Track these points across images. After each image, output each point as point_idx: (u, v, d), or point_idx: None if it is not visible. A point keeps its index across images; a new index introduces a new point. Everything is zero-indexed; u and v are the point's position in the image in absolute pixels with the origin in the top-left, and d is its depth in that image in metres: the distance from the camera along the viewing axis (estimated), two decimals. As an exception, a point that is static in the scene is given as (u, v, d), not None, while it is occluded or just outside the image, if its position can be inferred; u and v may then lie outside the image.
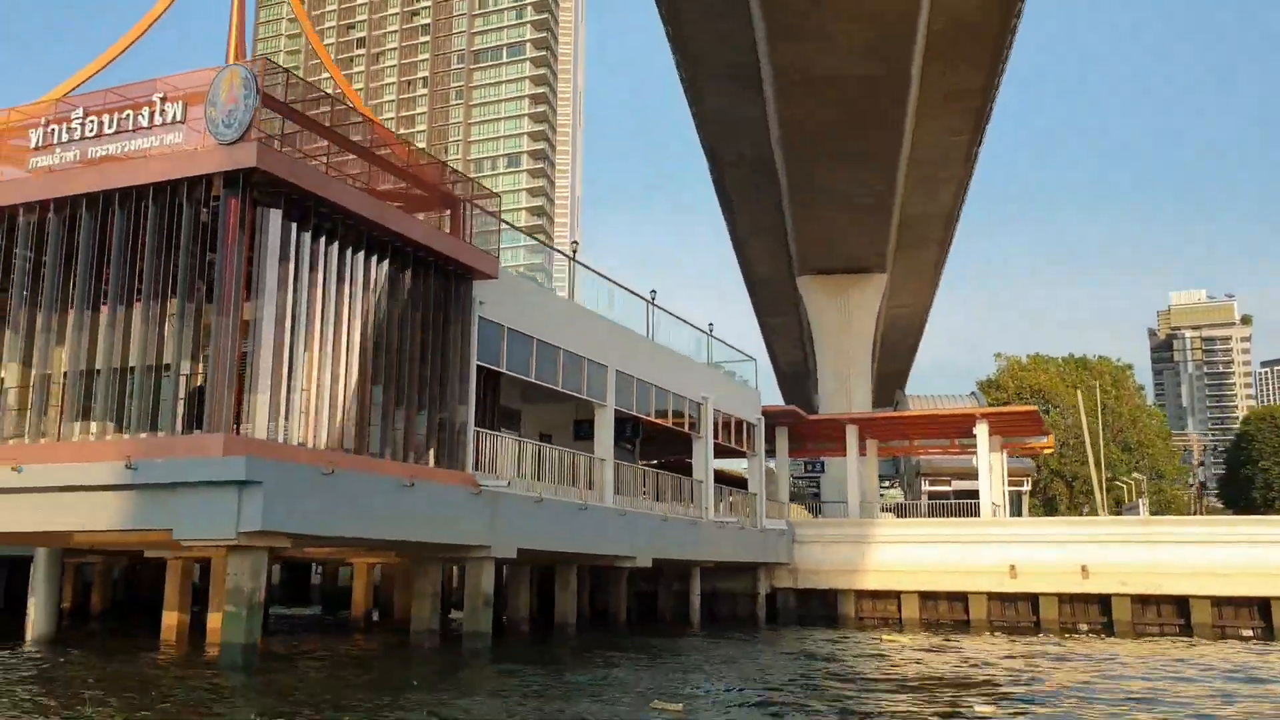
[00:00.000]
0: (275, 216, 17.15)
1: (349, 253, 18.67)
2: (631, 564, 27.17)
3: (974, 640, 28.15)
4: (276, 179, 16.85)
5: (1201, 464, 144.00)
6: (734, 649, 25.01)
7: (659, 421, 30.38)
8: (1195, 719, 14.27)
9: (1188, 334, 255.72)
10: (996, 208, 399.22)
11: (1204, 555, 31.32)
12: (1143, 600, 31.87)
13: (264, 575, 16.74)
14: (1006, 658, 22.98)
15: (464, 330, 21.52)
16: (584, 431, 29.36)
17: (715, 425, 33.21)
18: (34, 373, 18.52)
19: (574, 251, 29.76)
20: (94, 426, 17.70)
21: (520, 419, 28.33)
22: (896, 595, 34.47)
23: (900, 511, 46.39)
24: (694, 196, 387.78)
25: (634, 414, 28.90)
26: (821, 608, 35.32)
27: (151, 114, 17.92)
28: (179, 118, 17.69)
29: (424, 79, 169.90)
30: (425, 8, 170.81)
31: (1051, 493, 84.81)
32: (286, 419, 17.03)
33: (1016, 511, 49.77)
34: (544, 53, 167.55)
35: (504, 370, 23.20)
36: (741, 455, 37.20)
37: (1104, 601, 32.27)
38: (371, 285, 19.15)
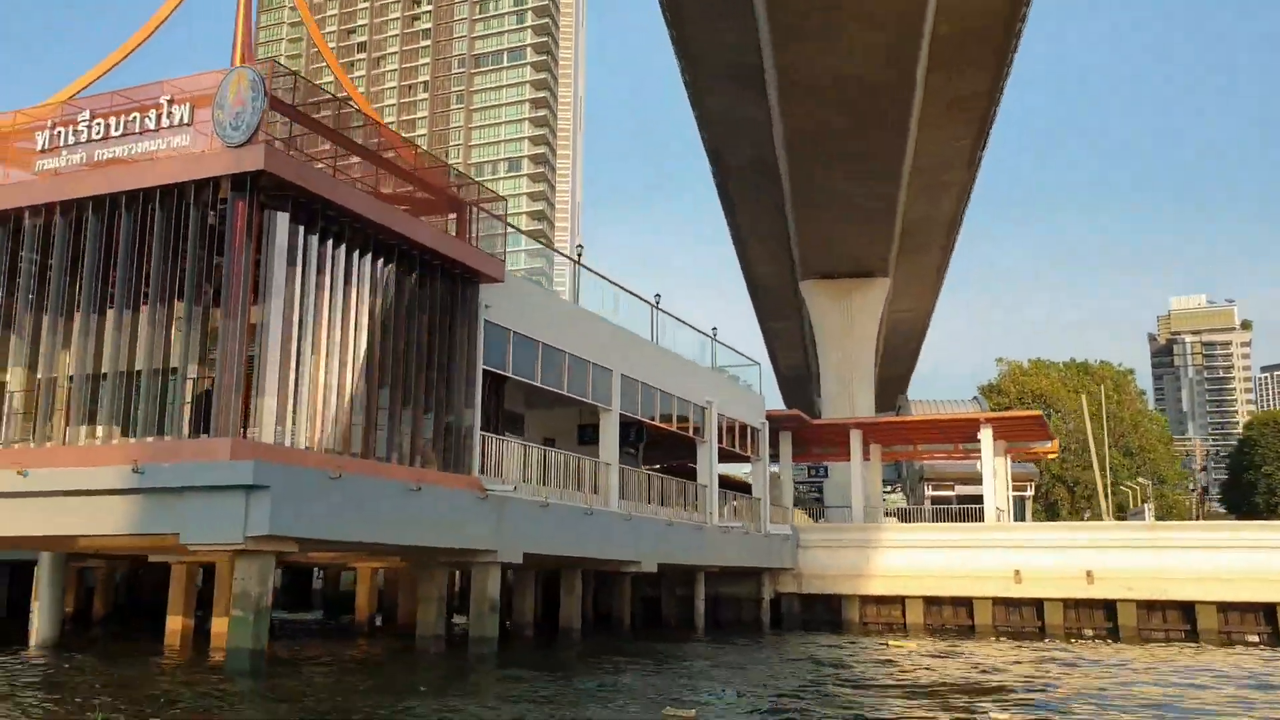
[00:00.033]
0: (282, 219, 17.07)
1: (356, 256, 18.60)
2: (637, 569, 27.08)
3: (980, 645, 28.05)
4: (284, 182, 16.78)
5: (1204, 469, 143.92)
6: (740, 655, 24.91)
7: (664, 426, 30.27)
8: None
9: (1188, 339, 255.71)
10: (998, 210, 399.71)
11: (1209, 560, 31.24)
12: (1148, 606, 31.79)
13: (271, 580, 16.65)
14: (1016, 664, 22.89)
15: (470, 334, 21.45)
16: (588, 436, 29.27)
17: (719, 430, 33.13)
18: (39, 376, 18.43)
19: (579, 255, 29.69)
20: (100, 430, 17.62)
21: (524, 423, 28.24)
22: (901, 600, 34.39)
23: (903, 516, 46.29)
24: (694, 197, 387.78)
25: (639, 418, 28.81)
26: (826, 613, 35.23)
27: (158, 116, 17.86)
28: (186, 120, 17.63)
29: (424, 83, 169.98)
30: (426, 12, 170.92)
31: (1053, 498, 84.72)
32: (293, 422, 16.95)
33: (1020, 516, 49.68)
34: (544, 57, 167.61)
35: (509, 374, 23.10)
36: (746, 460, 37.11)
37: (1109, 607, 32.20)
38: (378, 288, 19.07)
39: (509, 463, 22.42)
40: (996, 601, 33.35)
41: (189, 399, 16.82)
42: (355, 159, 20.28)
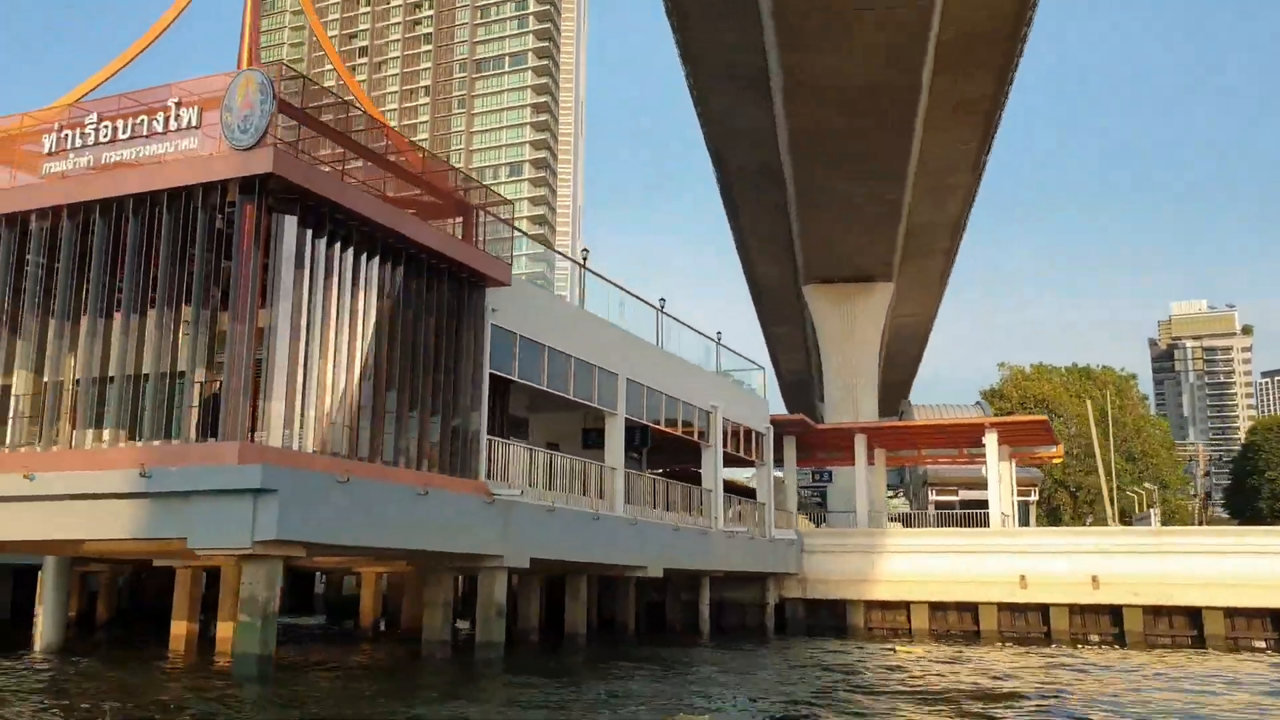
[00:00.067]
0: (290, 223, 17.00)
1: (363, 259, 18.53)
2: (643, 573, 26.96)
3: (986, 651, 27.95)
4: (292, 185, 16.71)
5: (1207, 474, 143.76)
6: (746, 660, 24.81)
7: (669, 430, 30.16)
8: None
9: (1189, 344, 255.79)
10: (1001, 214, 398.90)
11: (1215, 566, 31.11)
12: (1154, 611, 31.65)
13: (278, 585, 16.55)
14: (1025, 669, 22.78)
15: (476, 337, 21.37)
16: (593, 440, 29.17)
17: (724, 434, 33.03)
18: (45, 380, 18.34)
19: (584, 259, 29.62)
20: (107, 434, 17.52)
21: (528, 427, 28.15)
22: (906, 606, 34.24)
23: (907, 521, 46.18)
24: (694, 198, 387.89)
25: (644, 422, 28.70)
26: (830, 618, 35.10)
27: (166, 119, 17.79)
28: (194, 123, 17.56)
29: (426, 88, 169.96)
30: (427, 17, 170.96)
31: (1056, 502, 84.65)
32: (301, 426, 16.87)
33: (1025, 521, 49.54)
34: (546, 62, 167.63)
35: (515, 378, 23.01)
36: (750, 464, 37.01)
37: (1115, 612, 32.05)
38: (385, 292, 18.99)
39: (515, 467, 22.33)
40: (1001, 607, 33.21)
41: (196, 402, 16.73)
42: (361, 162, 20.21)
